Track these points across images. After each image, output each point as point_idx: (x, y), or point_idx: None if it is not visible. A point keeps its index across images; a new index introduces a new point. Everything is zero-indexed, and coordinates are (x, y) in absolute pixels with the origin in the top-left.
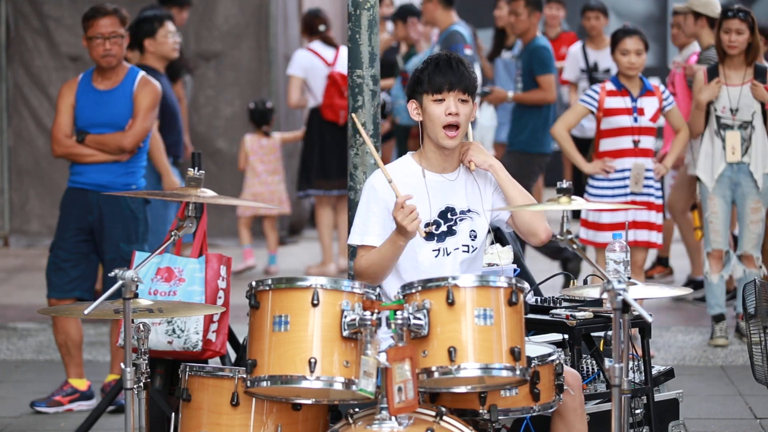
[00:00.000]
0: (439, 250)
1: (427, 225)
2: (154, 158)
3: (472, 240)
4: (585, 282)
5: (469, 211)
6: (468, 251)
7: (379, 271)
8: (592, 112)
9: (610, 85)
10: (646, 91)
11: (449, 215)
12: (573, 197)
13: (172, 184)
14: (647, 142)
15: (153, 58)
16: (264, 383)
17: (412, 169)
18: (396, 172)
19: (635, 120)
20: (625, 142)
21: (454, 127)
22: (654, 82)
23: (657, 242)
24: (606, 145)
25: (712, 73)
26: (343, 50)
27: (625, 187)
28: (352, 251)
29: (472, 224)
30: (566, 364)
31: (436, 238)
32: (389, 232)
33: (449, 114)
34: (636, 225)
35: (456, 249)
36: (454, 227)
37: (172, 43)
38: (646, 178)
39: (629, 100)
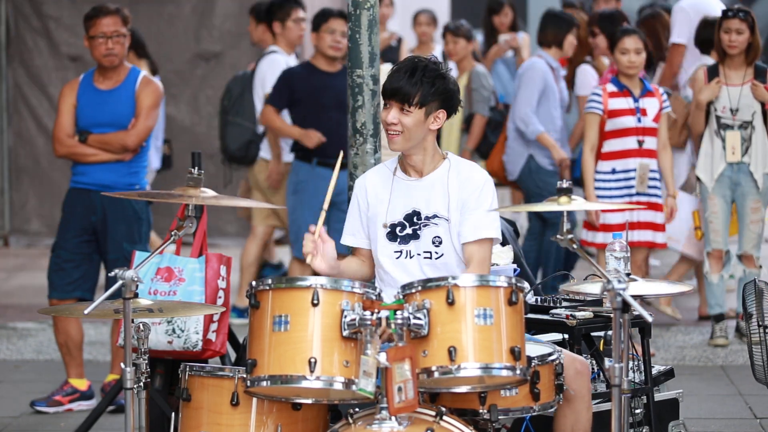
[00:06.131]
0: (401, 252)
1: (391, 225)
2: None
3: (436, 246)
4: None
5: (434, 216)
6: (430, 257)
7: None
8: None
9: (611, 87)
10: (647, 92)
11: (415, 219)
12: (573, 197)
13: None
14: (650, 142)
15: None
16: (264, 383)
17: (387, 169)
18: (371, 171)
19: (639, 120)
20: (630, 143)
21: (396, 133)
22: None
23: (660, 242)
24: (611, 145)
25: (713, 73)
26: None
27: (631, 187)
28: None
29: (436, 230)
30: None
31: (399, 239)
32: (361, 231)
33: (386, 123)
34: (639, 225)
35: (418, 254)
36: (418, 231)
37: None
38: (650, 179)
39: (631, 100)
